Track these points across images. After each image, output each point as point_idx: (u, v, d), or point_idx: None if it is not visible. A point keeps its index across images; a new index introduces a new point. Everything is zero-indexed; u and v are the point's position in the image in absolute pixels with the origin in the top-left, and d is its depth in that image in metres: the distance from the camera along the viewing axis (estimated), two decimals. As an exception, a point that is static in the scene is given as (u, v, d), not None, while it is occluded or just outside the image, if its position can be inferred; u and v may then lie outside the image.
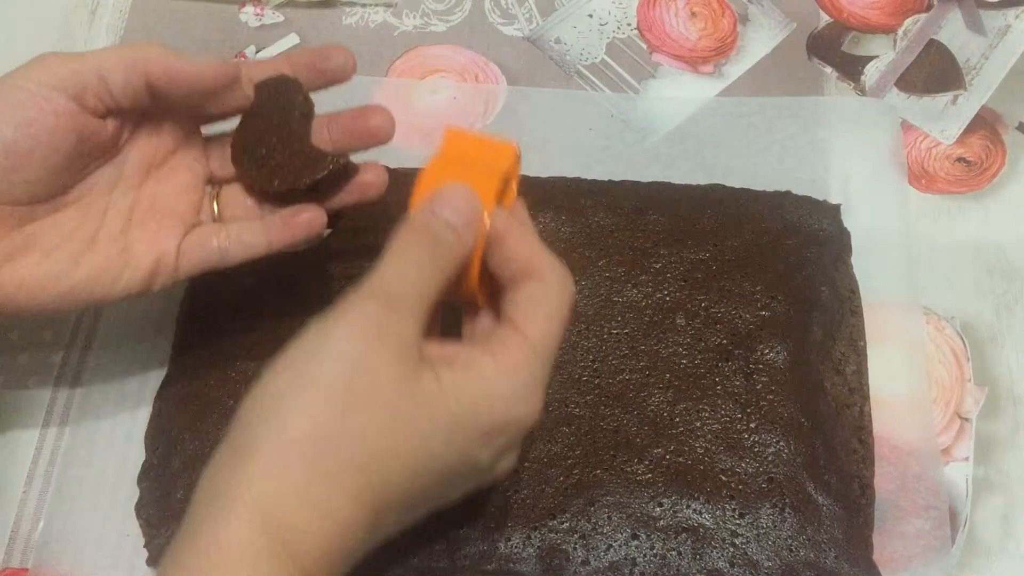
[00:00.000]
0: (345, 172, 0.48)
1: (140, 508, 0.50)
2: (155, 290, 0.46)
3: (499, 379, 0.38)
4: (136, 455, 0.51)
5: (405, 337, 0.36)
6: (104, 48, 0.48)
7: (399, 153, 0.61)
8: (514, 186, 0.44)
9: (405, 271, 0.38)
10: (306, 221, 0.47)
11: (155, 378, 0.54)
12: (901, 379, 0.54)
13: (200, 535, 0.33)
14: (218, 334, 0.54)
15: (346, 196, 0.49)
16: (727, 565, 0.48)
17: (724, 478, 0.50)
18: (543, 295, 0.40)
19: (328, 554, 0.35)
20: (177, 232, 0.46)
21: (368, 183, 0.49)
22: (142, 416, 0.52)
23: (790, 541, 0.48)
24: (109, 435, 0.52)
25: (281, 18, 0.68)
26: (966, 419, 0.53)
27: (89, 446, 0.52)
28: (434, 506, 0.39)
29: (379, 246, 0.40)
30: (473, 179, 0.40)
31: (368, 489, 0.35)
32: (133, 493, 0.50)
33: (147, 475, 0.51)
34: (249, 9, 0.68)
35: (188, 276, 0.47)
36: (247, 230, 0.47)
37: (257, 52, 0.66)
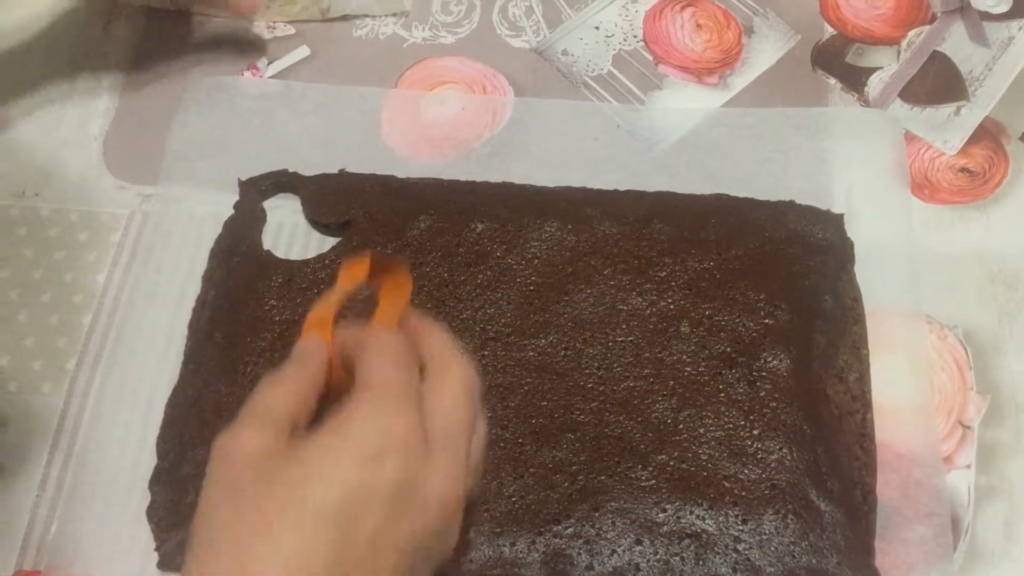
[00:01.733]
0: None
1: (151, 512, 0.51)
2: None
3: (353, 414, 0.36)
4: (147, 460, 0.52)
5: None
6: None
7: (408, 164, 0.63)
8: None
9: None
10: None
11: (166, 384, 0.54)
12: (904, 387, 0.54)
13: None
14: (228, 342, 0.55)
15: None
16: (730, 571, 0.48)
17: (727, 484, 0.50)
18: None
19: None
20: None
21: None
22: (153, 422, 0.53)
23: (792, 547, 0.48)
24: (121, 440, 0.53)
25: (292, 31, 0.69)
26: (968, 427, 0.54)
27: (101, 451, 0.53)
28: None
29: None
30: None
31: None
32: (144, 497, 0.51)
33: (158, 479, 0.51)
34: (261, 22, 0.69)
35: None
36: None
37: (269, 64, 0.67)
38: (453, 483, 0.37)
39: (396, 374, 0.37)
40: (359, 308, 0.41)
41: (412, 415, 0.37)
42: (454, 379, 0.39)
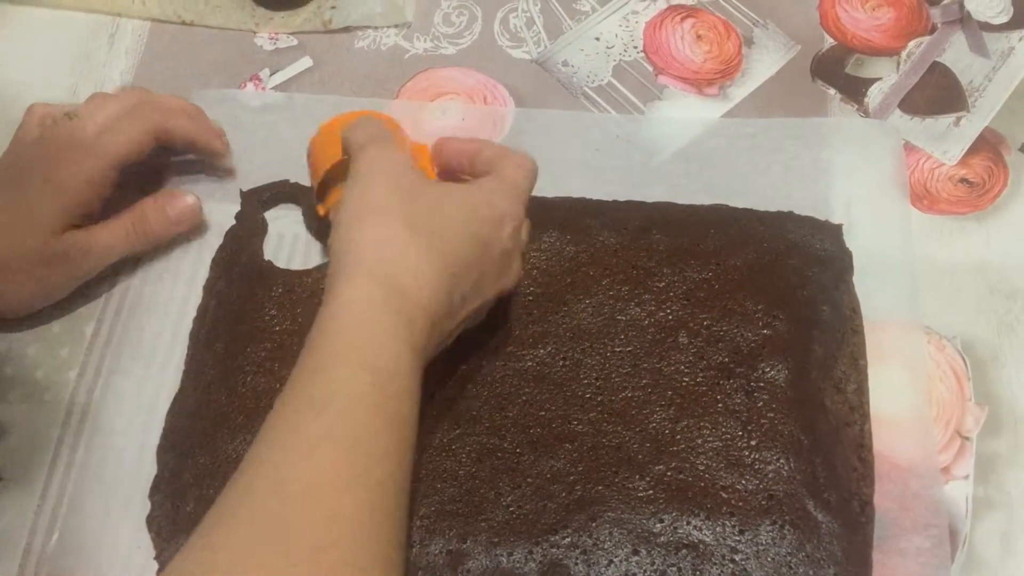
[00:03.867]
0: None
1: (151, 521, 0.51)
2: None
3: (492, 184, 0.50)
4: (148, 470, 0.53)
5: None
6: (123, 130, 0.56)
7: (408, 174, 0.63)
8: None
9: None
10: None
11: (167, 395, 0.55)
12: (902, 398, 0.54)
13: (331, 299, 0.44)
14: (228, 351, 0.55)
15: None
16: (726, 581, 0.48)
17: (724, 495, 0.50)
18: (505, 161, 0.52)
19: (425, 308, 0.45)
20: None
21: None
22: (154, 431, 0.54)
23: (789, 558, 0.49)
24: (121, 450, 0.54)
25: (295, 42, 0.69)
26: (966, 438, 0.54)
27: (102, 460, 0.53)
28: (480, 282, 0.48)
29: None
30: None
31: (441, 254, 0.46)
32: (145, 506, 0.51)
33: (158, 488, 0.52)
34: (264, 34, 0.69)
35: None
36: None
37: (271, 75, 0.68)
38: (519, 272, 0.52)
39: (527, 188, 0.52)
40: None
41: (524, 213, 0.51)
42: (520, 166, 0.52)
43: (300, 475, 0.39)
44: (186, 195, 0.59)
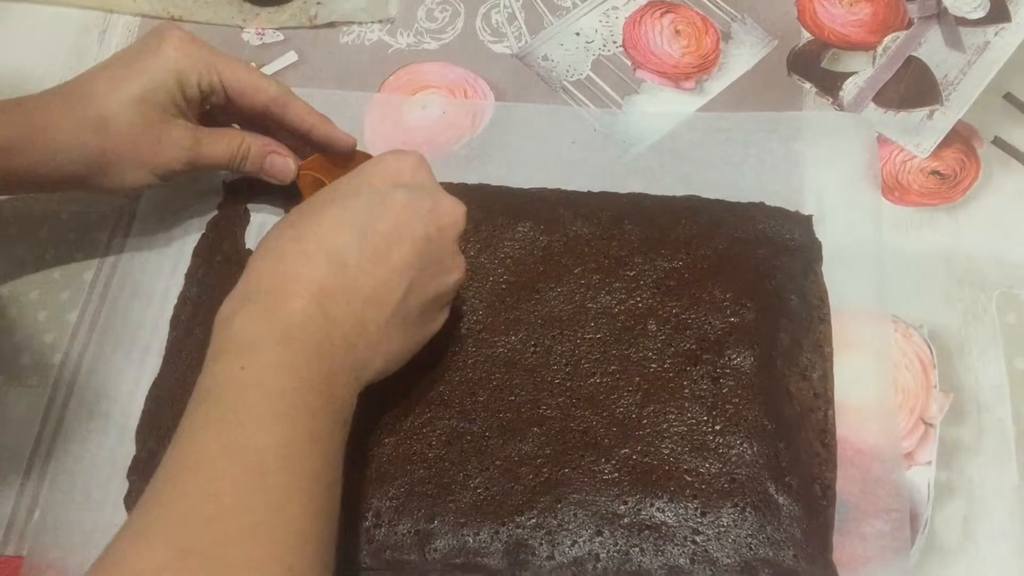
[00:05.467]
0: None
1: (129, 500, 0.52)
2: None
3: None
4: (127, 451, 0.54)
5: None
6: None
7: (388, 166, 0.64)
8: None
9: None
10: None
11: (147, 378, 0.56)
12: (868, 385, 0.55)
13: (270, 310, 0.43)
14: (207, 337, 0.56)
15: None
16: (687, 562, 0.49)
17: (688, 478, 0.51)
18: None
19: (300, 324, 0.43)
20: None
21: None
22: (134, 415, 0.55)
23: (750, 540, 0.49)
24: (102, 432, 0.55)
25: (281, 37, 0.71)
26: (930, 424, 0.54)
27: (83, 442, 0.55)
28: (381, 253, 0.46)
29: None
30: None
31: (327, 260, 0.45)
32: (123, 486, 0.53)
33: (136, 469, 0.53)
34: (251, 29, 0.71)
35: None
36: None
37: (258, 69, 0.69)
38: (460, 271, 0.50)
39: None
40: None
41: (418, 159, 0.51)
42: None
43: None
44: (287, 158, 0.59)
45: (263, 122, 0.59)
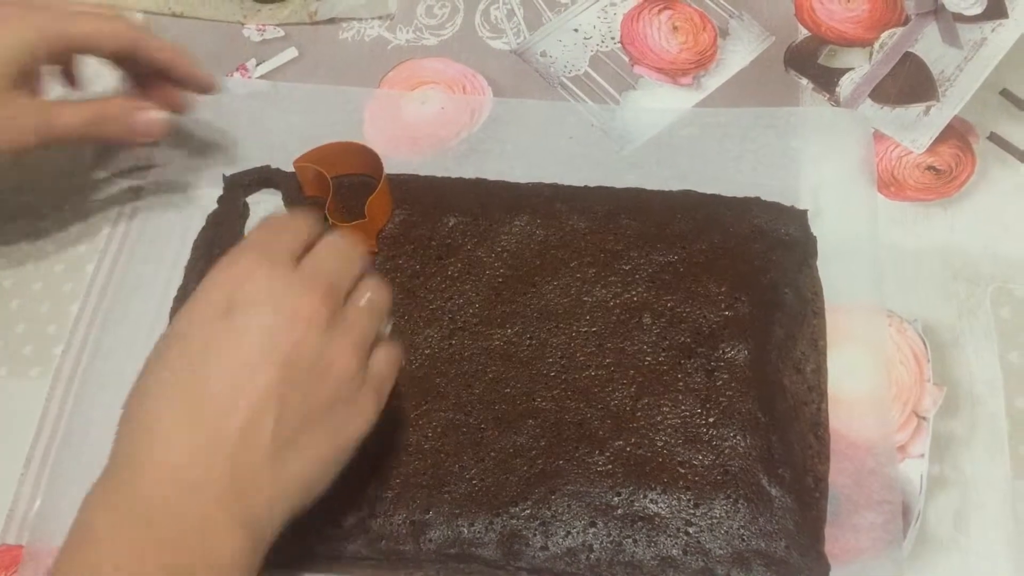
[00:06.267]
0: None
1: (128, 490, 0.53)
2: None
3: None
4: (127, 441, 0.55)
5: None
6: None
7: (387, 161, 0.64)
8: None
9: None
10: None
11: (147, 369, 0.57)
12: (862, 378, 0.56)
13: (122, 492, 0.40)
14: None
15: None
16: (680, 553, 0.50)
17: (681, 470, 0.51)
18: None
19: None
20: None
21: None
22: (134, 405, 0.56)
23: (742, 531, 0.50)
24: (102, 423, 0.55)
25: (281, 33, 0.71)
26: (923, 418, 0.55)
27: (84, 432, 0.55)
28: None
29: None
30: None
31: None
32: (122, 476, 0.53)
33: (135, 459, 0.54)
34: (251, 25, 0.72)
35: None
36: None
37: (258, 65, 0.70)
38: (346, 357, 0.43)
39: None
40: None
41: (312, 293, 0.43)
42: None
43: None
44: (151, 109, 0.57)
45: (131, 69, 0.57)
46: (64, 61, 0.57)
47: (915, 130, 0.65)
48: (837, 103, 0.66)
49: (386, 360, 0.46)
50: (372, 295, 0.46)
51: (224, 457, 0.40)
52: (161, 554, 0.38)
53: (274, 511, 0.41)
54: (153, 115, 0.57)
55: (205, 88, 0.59)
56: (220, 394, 0.40)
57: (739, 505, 0.50)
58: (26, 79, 0.54)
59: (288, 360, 0.41)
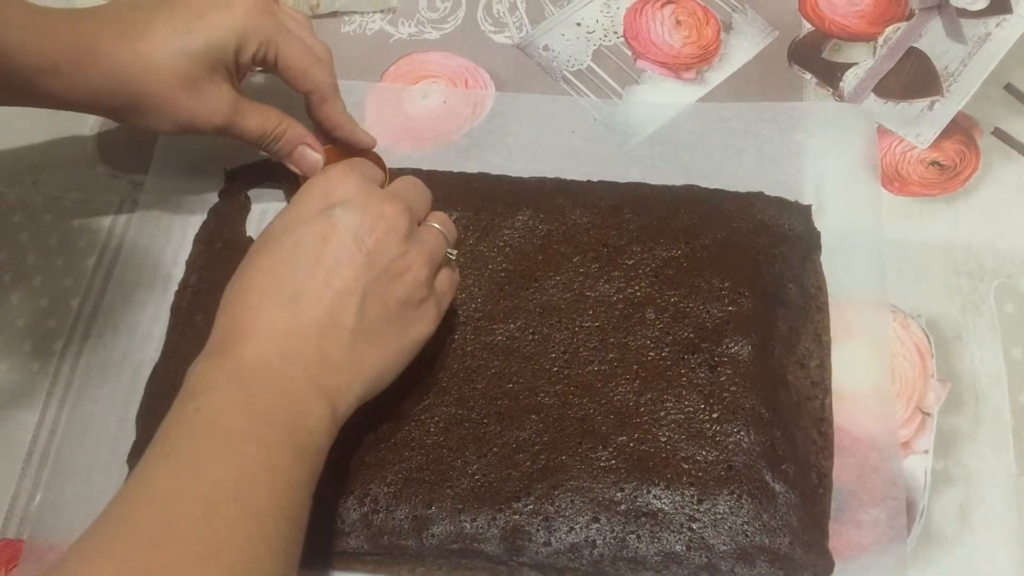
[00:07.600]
0: None
1: (129, 485, 0.53)
2: None
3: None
4: (127, 437, 0.54)
5: None
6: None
7: (390, 154, 0.64)
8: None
9: None
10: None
11: (148, 364, 0.57)
12: (866, 374, 0.55)
13: (226, 357, 0.44)
14: (208, 324, 0.56)
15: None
16: (684, 548, 0.49)
17: (685, 466, 0.51)
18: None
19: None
20: None
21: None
22: (134, 401, 0.55)
23: (746, 527, 0.50)
24: (103, 418, 0.56)
25: (283, 26, 0.71)
26: (927, 413, 0.54)
27: (84, 427, 0.55)
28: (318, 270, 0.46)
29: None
30: None
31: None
32: (123, 471, 0.53)
33: (136, 454, 0.53)
34: (253, 18, 0.71)
35: None
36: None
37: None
38: (419, 266, 0.48)
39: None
40: None
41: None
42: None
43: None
44: (317, 153, 0.59)
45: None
46: (265, 69, 0.57)
47: (919, 125, 0.64)
48: (841, 98, 0.66)
49: (449, 280, 0.52)
50: (443, 221, 0.52)
51: (315, 338, 0.45)
52: (260, 410, 0.43)
53: (350, 393, 0.46)
54: (311, 156, 0.59)
55: (364, 147, 0.60)
56: (312, 283, 0.45)
57: (743, 501, 0.50)
58: (231, 68, 0.55)
59: (372, 257, 0.47)
